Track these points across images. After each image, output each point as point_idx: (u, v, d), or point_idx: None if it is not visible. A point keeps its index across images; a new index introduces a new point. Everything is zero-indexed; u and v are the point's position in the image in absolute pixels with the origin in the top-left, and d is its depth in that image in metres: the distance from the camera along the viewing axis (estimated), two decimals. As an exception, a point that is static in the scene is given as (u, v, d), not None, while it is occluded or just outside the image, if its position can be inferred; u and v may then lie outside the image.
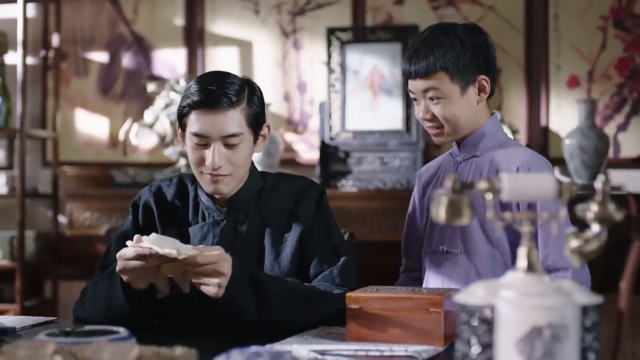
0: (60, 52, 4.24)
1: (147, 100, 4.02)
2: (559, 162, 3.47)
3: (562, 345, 1.06)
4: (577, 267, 1.20)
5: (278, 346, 1.57)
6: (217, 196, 1.98)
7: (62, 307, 4.19)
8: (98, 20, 4.22)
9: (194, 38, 4.11)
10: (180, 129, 1.98)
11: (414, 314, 1.62)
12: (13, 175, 4.08)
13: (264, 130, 2.01)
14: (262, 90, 2.02)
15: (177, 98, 3.77)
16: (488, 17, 3.77)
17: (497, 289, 1.12)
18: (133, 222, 2.04)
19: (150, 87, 3.87)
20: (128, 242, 1.72)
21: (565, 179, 1.19)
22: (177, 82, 3.81)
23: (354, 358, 1.51)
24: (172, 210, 2.03)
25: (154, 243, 1.66)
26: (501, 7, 3.78)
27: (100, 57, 4.22)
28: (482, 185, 1.17)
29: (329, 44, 3.71)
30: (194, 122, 1.90)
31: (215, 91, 1.89)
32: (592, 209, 1.14)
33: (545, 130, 3.71)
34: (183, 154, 3.76)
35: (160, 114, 3.79)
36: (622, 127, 3.65)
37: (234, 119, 1.90)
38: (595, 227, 1.14)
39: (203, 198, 2.00)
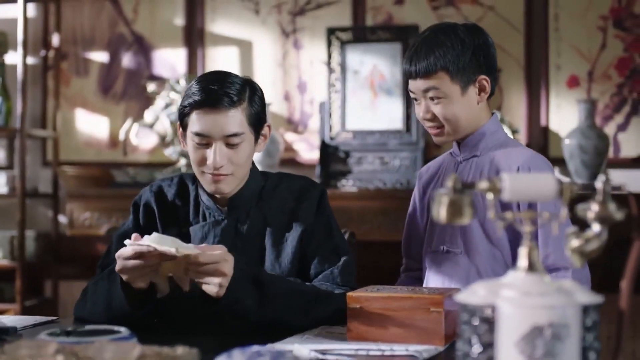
0: (60, 52, 4.24)
1: (147, 100, 4.02)
2: (558, 162, 3.47)
3: (563, 345, 1.06)
4: (578, 267, 1.20)
5: (279, 346, 1.57)
6: (218, 196, 1.98)
7: (62, 306, 4.20)
8: (98, 20, 4.23)
9: (194, 38, 4.11)
10: (181, 129, 1.98)
11: (415, 314, 1.63)
12: (13, 175, 4.08)
13: (265, 130, 2.01)
14: (262, 90, 2.02)
15: (177, 98, 3.78)
16: (488, 17, 3.77)
17: (498, 289, 1.12)
18: (134, 221, 2.04)
19: (151, 87, 3.87)
20: (126, 241, 1.72)
21: (565, 179, 1.19)
22: (177, 82, 3.81)
23: (354, 358, 1.51)
24: (173, 210, 2.03)
25: (155, 242, 1.67)
26: (501, 7, 3.78)
27: (100, 57, 4.23)
28: (483, 185, 1.17)
29: (329, 44, 3.71)
30: (196, 121, 1.91)
31: (216, 91, 1.89)
32: (592, 209, 1.14)
33: (545, 130, 3.72)
34: (183, 154, 3.76)
35: (161, 113, 3.80)
36: (622, 127, 3.66)
37: (235, 119, 1.90)
38: (595, 227, 1.15)
39: (204, 198, 2.00)
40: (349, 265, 1.99)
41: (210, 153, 1.90)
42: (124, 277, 1.76)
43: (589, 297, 1.12)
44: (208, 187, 1.96)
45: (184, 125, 1.95)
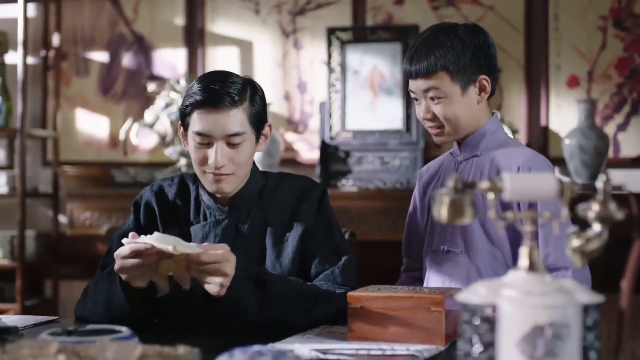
0: (60, 51, 4.24)
1: (148, 100, 4.02)
2: (558, 162, 3.47)
3: (563, 344, 1.07)
4: (578, 267, 1.20)
5: (280, 345, 1.57)
6: (218, 195, 1.98)
7: (62, 306, 4.20)
8: (98, 20, 4.23)
9: (194, 38, 4.11)
10: (182, 129, 1.98)
11: (416, 313, 1.63)
12: (13, 175, 4.08)
13: (266, 130, 2.02)
14: (263, 89, 2.02)
15: (177, 98, 3.78)
16: (488, 17, 3.77)
17: (499, 288, 1.12)
18: (134, 221, 2.04)
19: (151, 86, 3.87)
20: (124, 240, 1.72)
21: (566, 179, 1.19)
22: (178, 81, 3.81)
23: (355, 357, 1.52)
24: (174, 209, 2.04)
25: (157, 241, 1.67)
26: (501, 7, 3.78)
27: (100, 56, 4.23)
28: (484, 184, 1.18)
29: (329, 44, 3.71)
30: (197, 121, 1.91)
31: (218, 90, 1.89)
32: (593, 209, 1.14)
33: (545, 130, 3.72)
34: (183, 154, 3.76)
35: (161, 113, 3.80)
36: (622, 127, 3.66)
37: (236, 118, 1.91)
38: (596, 227, 1.15)
39: (204, 197, 2.01)
40: (349, 265, 1.99)
41: (211, 153, 1.91)
42: (123, 277, 1.76)
43: (589, 296, 1.12)
44: (209, 187, 1.96)
45: (185, 125, 1.96)
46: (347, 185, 3.61)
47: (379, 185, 3.57)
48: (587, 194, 1.19)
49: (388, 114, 3.65)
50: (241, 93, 1.92)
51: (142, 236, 1.72)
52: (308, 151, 3.96)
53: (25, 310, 3.85)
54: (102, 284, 1.88)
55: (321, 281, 1.96)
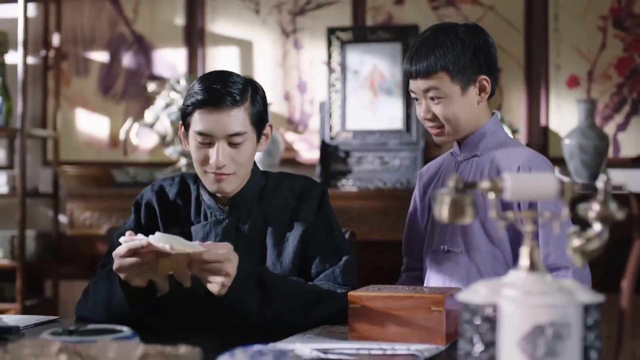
0: (60, 51, 4.24)
1: (148, 100, 4.02)
2: (558, 161, 3.47)
3: (564, 344, 1.07)
4: (579, 266, 1.21)
5: (281, 345, 1.58)
6: (219, 195, 1.98)
7: (62, 306, 4.20)
8: (98, 20, 4.23)
9: (195, 38, 4.11)
10: (183, 128, 1.99)
11: (416, 313, 1.63)
12: (13, 175, 4.08)
13: (267, 130, 2.02)
14: (264, 89, 2.02)
15: (177, 98, 3.78)
16: (488, 17, 3.78)
17: (499, 288, 1.12)
18: (135, 221, 2.05)
19: (151, 86, 3.87)
20: (121, 239, 1.73)
21: (566, 179, 1.19)
22: (178, 81, 3.82)
23: (356, 357, 1.52)
24: (174, 209, 2.04)
25: (158, 241, 1.67)
26: (501, 7, 3.78)
27: (100, 56, 4.23)
28: (485, 184, 1.18)
29: (329, 44, 3.71)
30: (198, 121, 1.91)
31: (219, 90, 1.89)
32: (593, 208, 1.14)
33: (545, 130, 3.72)
34: (184, 154, 3.76)
35: (161, 113, 3.80)
36: (622, 127, 3.66)
37: (238, 118, 1.91)
38: (596, 226, 1.15)
39: (205, 197, 2.01)
40: (350, 264, 1.99)
41: (212, 152, 1.91)
42: (122, 276, 1.76)
43: (590, 296, 1.12)
44: (210, 187, 1.96)
45: (186, 125, 1.96)
46: (347, 185, 3.61)
47: (379, 185, 3.57)
48: (587, 194, 1.19)
49: (388, 114, 3.65)
50: (242, 93, 1.92)
51: (140, 235, 1.72)
52: (308, 151, 3.96)
53: (25, 310, 3.85)
54: (102, 283, 1.88)
55: (322, 281, 1.96)
